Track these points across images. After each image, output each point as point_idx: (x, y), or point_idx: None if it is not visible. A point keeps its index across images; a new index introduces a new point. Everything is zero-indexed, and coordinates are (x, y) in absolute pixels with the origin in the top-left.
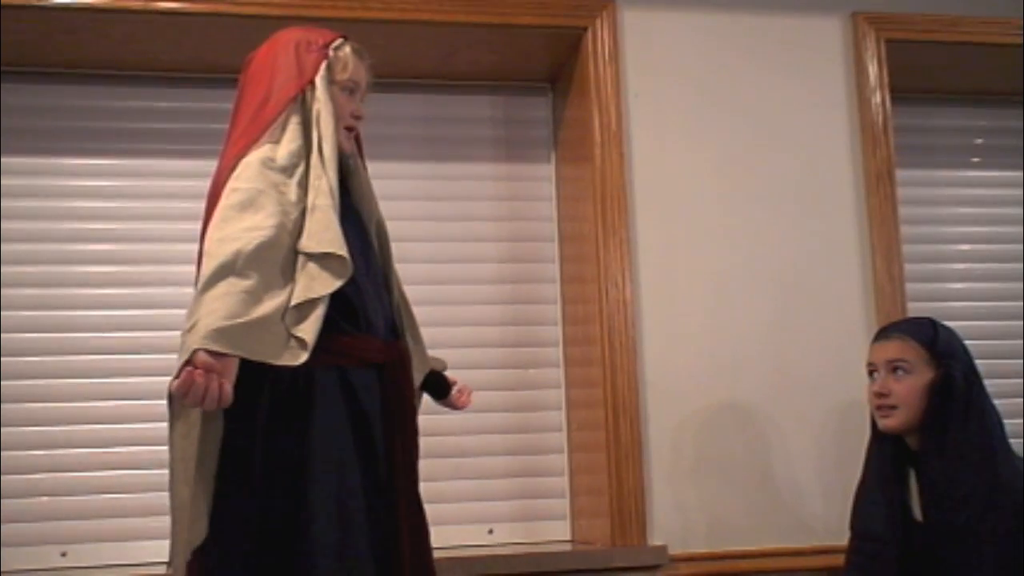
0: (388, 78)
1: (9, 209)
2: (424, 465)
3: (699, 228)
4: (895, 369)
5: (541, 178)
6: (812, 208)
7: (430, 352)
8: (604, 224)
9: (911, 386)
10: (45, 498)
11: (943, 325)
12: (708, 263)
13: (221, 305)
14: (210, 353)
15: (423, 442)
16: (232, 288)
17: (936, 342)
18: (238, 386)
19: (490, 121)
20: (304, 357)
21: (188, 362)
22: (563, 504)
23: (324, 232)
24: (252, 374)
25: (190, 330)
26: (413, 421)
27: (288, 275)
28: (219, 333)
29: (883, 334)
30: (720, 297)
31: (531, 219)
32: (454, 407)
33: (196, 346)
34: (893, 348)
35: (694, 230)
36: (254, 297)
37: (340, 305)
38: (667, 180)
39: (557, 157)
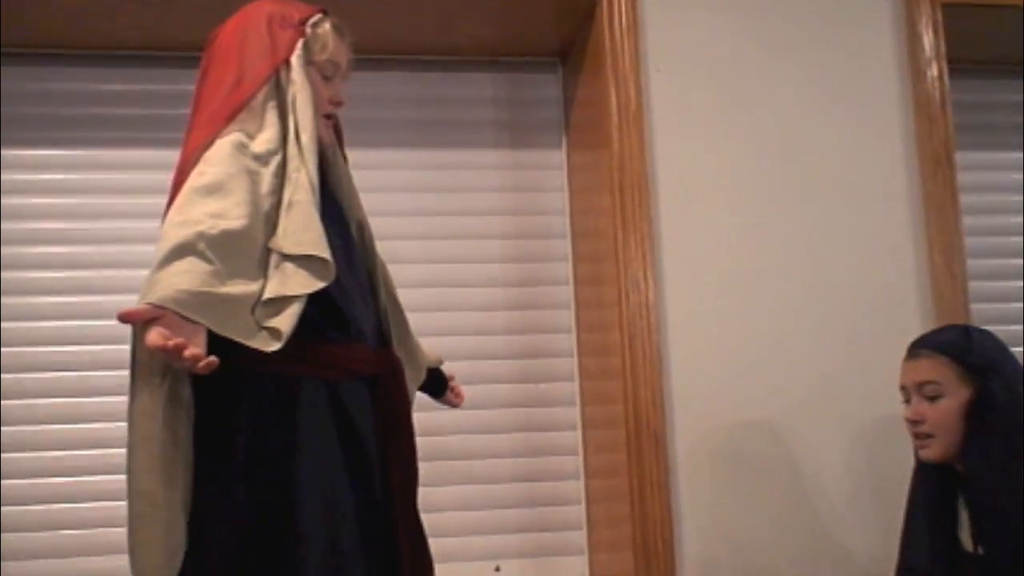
0: (376, 54)
1: None
2: (422, 493)
3: (731, 221)
4: (927, 392)
5: (551, 166)
6: (860, 197)
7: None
8: (623, 218)
9: (946, 410)
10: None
11: (980, 331)
12: (742, 261)
13: (184, 280)
14: (174, 316)
15: (420, 467)
16: (194, 267)
17: (970, 354)
18: (212, 399)
19: (492, 102)
20: (277, 346)
21: (145, 320)
22: (580, 537)
23: (304, 231)
24: (228, 385)
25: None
26: (410, 439)
27: (258, 271)
28: (187, 295)
29: (911, 351)
30: (756, 300)
31: (540, 213)
32: (452, 405)
33: (159, 302)
34: (922, 368)
35: (726, 224)
36: (219, 279)
37: (326, 310)
38: (694, 167)
39: (569, 142)
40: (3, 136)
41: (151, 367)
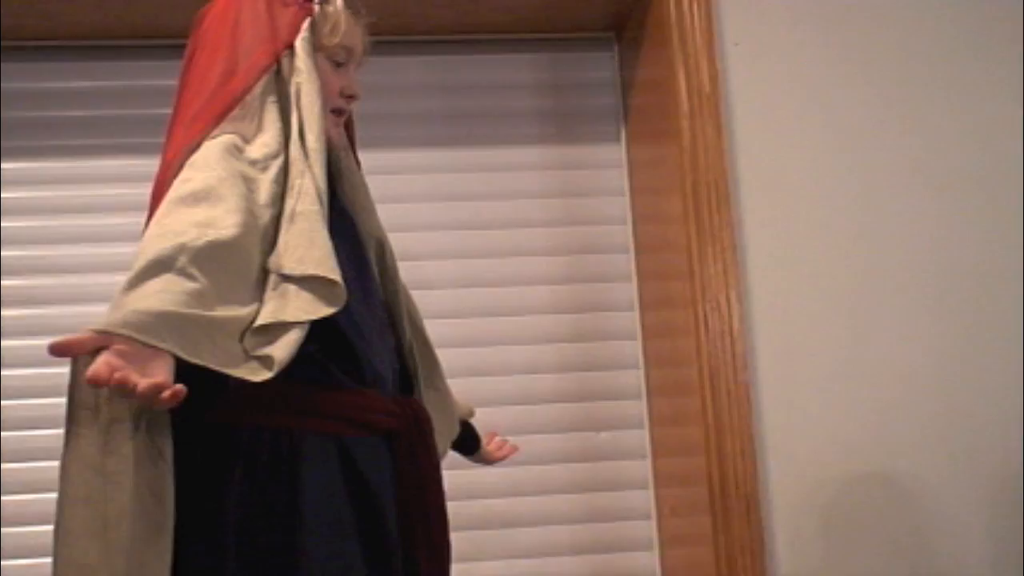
0: (392, 35)
1: None
2: (458, 571)
3: (832, 228)
4: None
5: (607, 164)
6: (989, 192)
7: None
8: (698, 225)
9: None
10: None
11: None
12: (847, 277)
13: (154, 301)
14: (129, 343)
15: (457, 538)
16: (170, 286)
17: None
18: (197, 460)
19: (534, 88)
20: (268, 375)
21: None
22: None
23: (308, 248)
24: (216, 443)
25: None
26: (439, 505)
27: (252, 294)
28: (148, 316)
29: None
30: (867, 325)
31: (596, 223)
32: (490, 460)
33: (106, 328)
34: None
35: (825, 231)
36: (201, 301)
37: (336, 349)
38: (784, 160)
39: (628, 134)
40: None
41: (96, 408)
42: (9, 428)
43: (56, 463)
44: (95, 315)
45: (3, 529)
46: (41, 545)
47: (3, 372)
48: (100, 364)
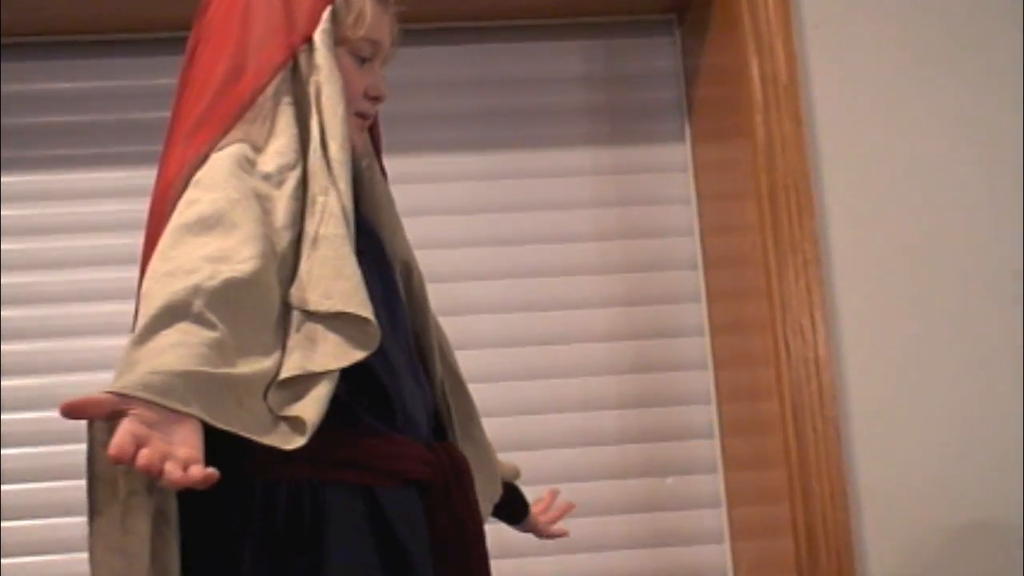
0: (420, 23)
1: None
2: None
3: (931, 235)
4: None
5: (669, 167)
6: None
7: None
8: (776, 236)
9: None
10: None
11: None
12: (950, 293)
13: (172, 357)
14: (150, 408)
15: None
16: (187, 338)
17: None
18: (205, 518)
19: (583, 81)
20: (301, 441)
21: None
22: None
23: (335, 279)
24: (227, 497)
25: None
26: (481, 566)
27: (274, 335)
28: (169, 376)
29: None
30: (973, 349)
31: (657, 235)
32: (540, 533)
33: (125, 390)
34: None
35: (924, 239)
36: (223, 355)
37: (364, 388)
38: (875, 159)
39: (693, 132)
40: None
41: (114, 481)
42: (9, 481)
43: (57, 520)
44: (95, 347)
45: None
46: None
47: (2, 416)
48: (124, 436)
